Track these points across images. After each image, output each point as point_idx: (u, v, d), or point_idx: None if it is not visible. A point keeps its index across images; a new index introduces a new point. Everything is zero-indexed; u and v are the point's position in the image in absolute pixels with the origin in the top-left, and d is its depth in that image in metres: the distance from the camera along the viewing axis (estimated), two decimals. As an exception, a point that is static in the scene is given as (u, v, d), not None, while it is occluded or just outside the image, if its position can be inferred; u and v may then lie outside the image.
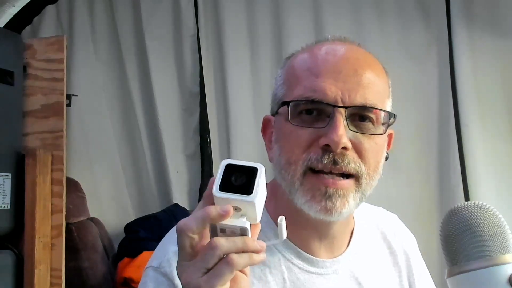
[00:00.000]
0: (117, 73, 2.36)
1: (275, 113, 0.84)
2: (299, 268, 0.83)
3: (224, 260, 0.57)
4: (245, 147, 2.14)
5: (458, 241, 0.68)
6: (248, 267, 0.61)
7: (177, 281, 0.76)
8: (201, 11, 2.25)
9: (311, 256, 0.84)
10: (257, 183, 0.59)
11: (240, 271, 0.59)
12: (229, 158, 2.19)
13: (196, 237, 0.58)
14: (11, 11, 2.09)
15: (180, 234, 0.58)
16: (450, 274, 0.69)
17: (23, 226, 1.82)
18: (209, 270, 0.57)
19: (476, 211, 0.68)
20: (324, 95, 0.76)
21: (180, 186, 2.27)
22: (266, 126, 0.87)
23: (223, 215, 0.57)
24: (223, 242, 0.57)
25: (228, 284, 0.58)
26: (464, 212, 0.69)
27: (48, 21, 2.36)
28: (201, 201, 0.60)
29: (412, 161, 2.04)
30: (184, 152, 2.30)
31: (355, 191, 0.77)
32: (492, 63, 1.94)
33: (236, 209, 0.59)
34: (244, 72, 2.19)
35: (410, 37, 2.05)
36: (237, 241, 0.58)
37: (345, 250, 0.88)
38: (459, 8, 1.96)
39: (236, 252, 0.57)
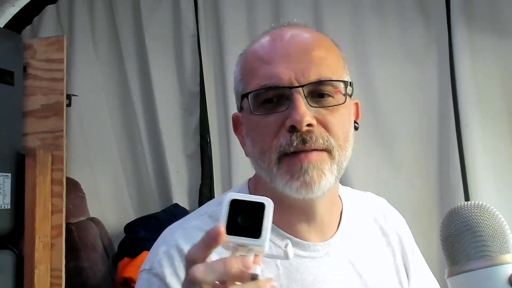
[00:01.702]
0: (117, 73, 2.36)
1: (240, 109, 0.86)
2: None
3: None
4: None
5: (458, 241, 0.68)
6: None
7: (169, 280, 0.78)
8: (201, 11, 2.25)
9: (301, 240, 0.85)
10: (265, 222, 0.55)
11: None
12: (229, 157, 2.19)
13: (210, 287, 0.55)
14: (11, 11, 2.09)
15: (193, 283, 0.54)
16: (450, 274, 0.69)
17: (23, 226, 1.82)
18: None
19: (476, 211, 0.69)
20: (279, 79, 0.78)
21: (180, 186, 2.27)
22: (236, 123, 0.89)
23: (244, 272, 0.54)
24: None
25: None
26: (464, 212, 0.69)
27: (48, 21, 2.36)
28: (206, 239, 0.55)
29: (412, 161, 2.04)
30: (184, 152, 2.30)
31: (330, 163, 0.78)
32: (492, 63, 1.94)
33: (243, 246, 0.55)
34: (244, 72, 2.19)
35: (410, 37, 2.05)
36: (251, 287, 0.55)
37: (335, 233, 0.88)
38: (459, 8, 1.96)
39: None
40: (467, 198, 1.91)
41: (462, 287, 0.68)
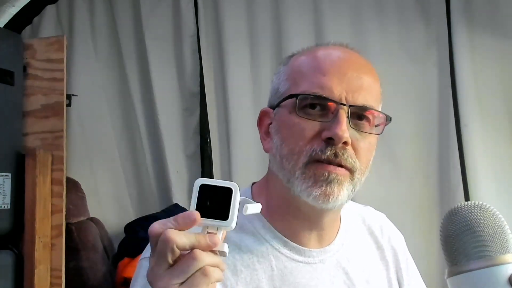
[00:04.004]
0: (117, 73, 2.35)
1: (275, 106, 0.88)
2: (287, 257, 0.87)
3: (201, 271, 0.60)
4: (245, 147, 2.14)
5: (458, 241, 0.68)
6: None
7: None
8: (201, 11, 2.25)
9: (298, 245, 0.88)
10: (232, 205, 0.61)
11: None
12: (229, 157, 2.19)
13: (179, 252, 0.60)
14: (11, 11, 2.09)
15: (165, 243, 0.60)
16: (450, 274, 0.69)
17: (23, 226, 1.82)
18: (186, 279, 0.60)
19: (476, 211, 0.69)
20: (331, 92, 0.81)
21: (180, 186, 2.27)
22: (263, 118, 0.91)
23: (212, 246, 0.61)
24: (204, 256, 0.60)
25: None
26: (464, 212, 0.69)
27: (48, 21, 2.35)
28: (180, 217, 0.62)
29: (412, 161, 2.04)
30: (184, 152, 2.30)
31: (349, 182, 0.82)
32: (492, 63, 1.94)
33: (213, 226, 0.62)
34: (244, 72, 2.19)
35: (410, 37, 2.05)
36: (216, 259, 0.62)
37: (332, 241, 0.91)
38: (459, 8, 1.96)
39: (213, 267, 0.61)
40: (467, 198, 1.91)
41: (462, 287, 0.68)
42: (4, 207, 1.80)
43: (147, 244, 0.90)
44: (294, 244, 0.87)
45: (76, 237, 2.01)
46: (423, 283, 1.02)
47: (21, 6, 2.11)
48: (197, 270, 0.60)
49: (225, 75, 2.20)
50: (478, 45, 1.95)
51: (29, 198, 1.82)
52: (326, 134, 0.80)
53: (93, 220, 2.17)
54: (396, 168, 2.03)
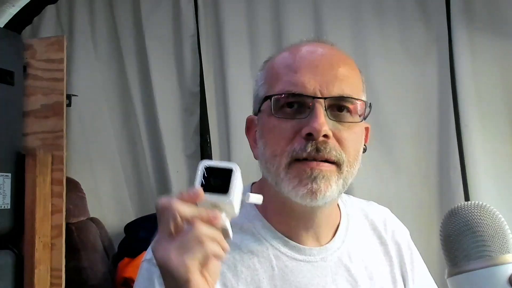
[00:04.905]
0: (117, 73, 2.36)
1: (257, 112, 0.89)
2: (287, 256, 0.87)
3: (197, 239, 0.63)
4: (245, 147, 2.11)
5: (458, 241, 0.68)
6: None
7: None
8: (201, 11, 2.25)
9: (298, 244, 0.87)
10: (232, 182, 0.66)
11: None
12: (229, 158, 2.19)
13: (181, 221, 0.64)
14: (11, 11, 2.09)
15: (168, 211, 0.64)
16: (450, 274, 0.69)
17: (23, 226, 1.82)
18: (182, 246, 0.63)
19: (476, 211, 0.69)
20: (304, 88, 0.81)
21: (180, 186, 2.26)
22: (250, 126, 0.93)
23: (212, 221, 0.64)
24: (202, 226, 0.63)
25: (197, 263, 0.63)
26: (464, 212, 0.69)
27: (48, 21, 2.36)
28: (185, 192, 0.66)
29: (412, 161, 2.04)
30: (184, 152, 2.30)
31: (337, 176, 0.81)
32: (492, 63, 1.94)
33: (216, 206, 0.66)
34: (244, 72, 2.19)
35: (410, 37, 2.05)
36: (216, 234, 0.65)
37: (332, 239, 0.91)
38: (459, 8, 1.96)
39: (212, 240, 0.64)
40: (467, 198, 1.91)
41: (462, 287, 0.68)
42: (4, 207, 1.80)
43: (147, 244, 0.90)
44: (294, 243, 0.87)
45: (76, 237, 2.01)
46: (431, 277, 1.00)
47: (21, 6, 2.11)
48: (194, 238, 0.62)
49: (225, 75, 2.20)
50: (478, 45, 1.95)
51: (29, 198, 1.82)
52: (305, 130, 0.79)
53: (93, 220, 2.17)
54: (396, 169, 2.03)
